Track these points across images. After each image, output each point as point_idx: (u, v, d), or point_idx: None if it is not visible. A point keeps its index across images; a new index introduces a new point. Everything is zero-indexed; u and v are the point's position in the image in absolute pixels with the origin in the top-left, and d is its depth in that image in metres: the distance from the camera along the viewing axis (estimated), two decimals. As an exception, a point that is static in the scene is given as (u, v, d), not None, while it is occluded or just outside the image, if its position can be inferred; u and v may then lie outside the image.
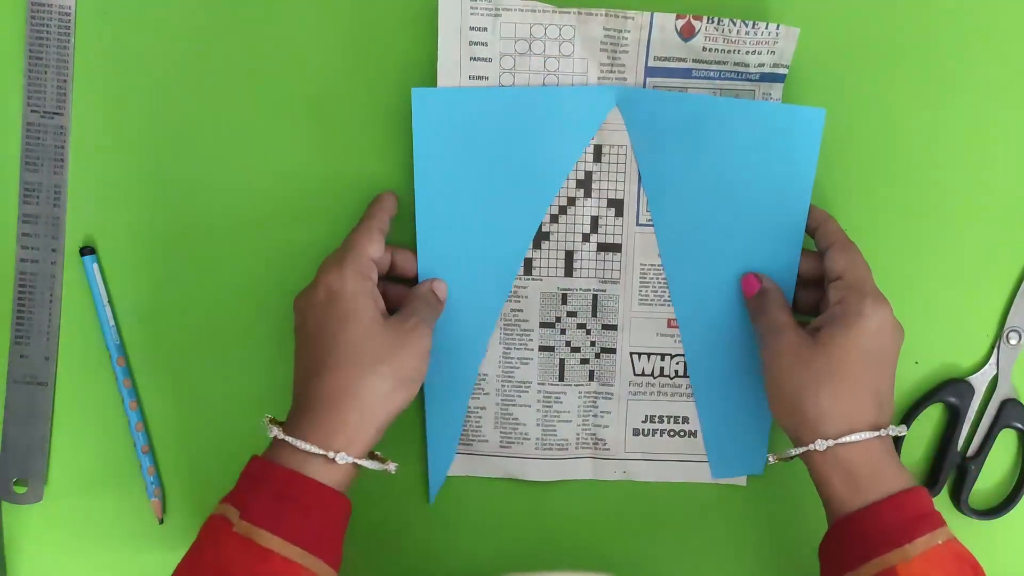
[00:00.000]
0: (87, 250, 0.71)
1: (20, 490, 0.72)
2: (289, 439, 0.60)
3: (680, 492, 0.74)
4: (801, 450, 0.62)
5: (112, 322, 0.71)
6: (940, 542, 0.59)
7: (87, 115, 0.70)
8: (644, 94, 0.69)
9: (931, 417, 0.74)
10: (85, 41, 0.70)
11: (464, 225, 0.69)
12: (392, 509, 0.74)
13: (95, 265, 0.71)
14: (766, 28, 0.67)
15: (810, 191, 0.68)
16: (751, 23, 0.67)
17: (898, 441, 0.73)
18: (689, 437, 0.73)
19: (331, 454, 0.60)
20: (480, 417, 0.73)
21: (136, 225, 0.71)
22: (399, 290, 0.69)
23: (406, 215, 0.69)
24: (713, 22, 0.67)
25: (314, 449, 0.59)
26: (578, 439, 0.73)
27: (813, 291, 0.69)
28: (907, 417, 0.73)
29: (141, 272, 0.72)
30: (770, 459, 0.66)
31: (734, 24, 0.67)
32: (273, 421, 0.62)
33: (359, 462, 0.61)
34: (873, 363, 0.63)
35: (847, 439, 0.61)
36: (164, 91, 0.70)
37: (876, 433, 0.61)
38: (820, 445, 0.61)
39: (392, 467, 0.64)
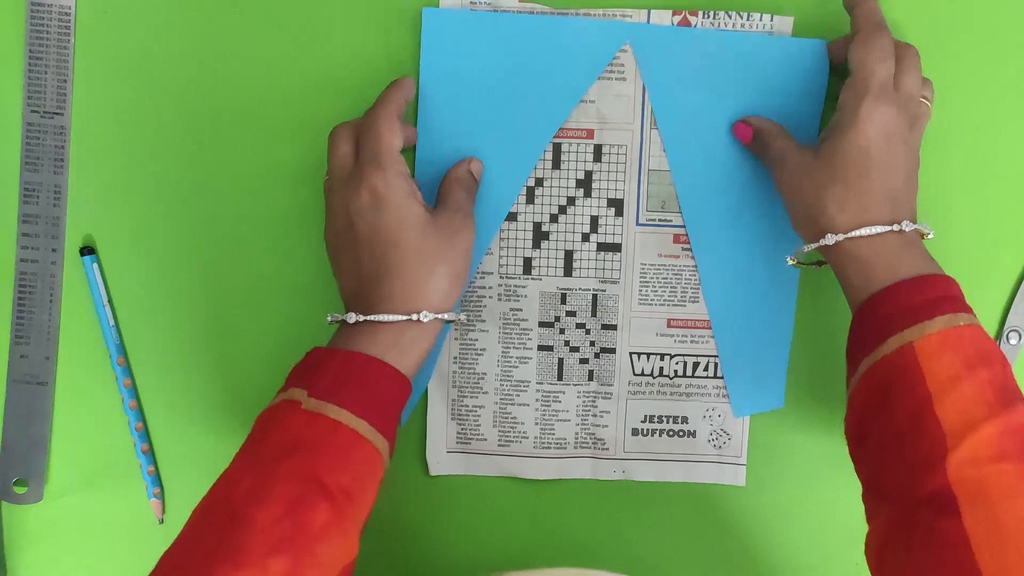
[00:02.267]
0: (87, 250, 0.71)
1: (20, 490, 0.72)
2: (372, 317, 0.62)
3: (679, 491, 0.74)
4: (813, 246, 0.63)
5: (112, 322, 0.71)
6: (962, 324, 0.59)
7: (87, 115, 0.70)
8: (655, 30, 0.69)
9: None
10: (85, 41, 0.70)
11: (466, 145, 0.69)
12: (391, 503, 0.74)
13: (95, 265, 0.71)
14: (760, 19, 0.69)
15: (818, 122, 0.69)
16: (746, 14, 0.69)
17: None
18: (688, 437, 0.73)
19: (416, 316, 0.62)
20: (479, 416, 0.73)
21: (136, 225, 0.71)
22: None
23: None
24: (708, 16, 0.68)
25: (398, 317, 0.62)
26: (576, 438, 0.73)
27: None
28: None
29: (141, 272, 0.72)
30: (788, 260, 0.67)
31: (729, 16, 0.69)
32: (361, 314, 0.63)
33: (442, 317, 0.63)
34: (877, 164, 0.62)
35: (855, 233, 0.61)
36: (164, 91, 0.70)
37: (888, 227, 0.61)
38: (829, 239, 0.62)
39: (463, 317, 0.68)
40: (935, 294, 0.60)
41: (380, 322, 0.62)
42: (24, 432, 0.72)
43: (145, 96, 0.70)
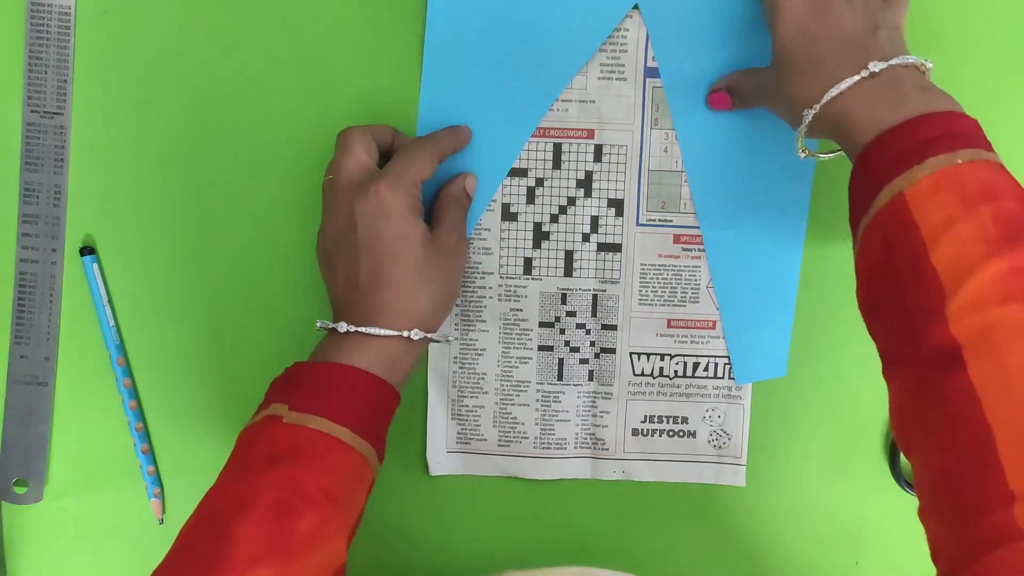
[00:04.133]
0: (87, 250, 0.71)
1: (20, 490, 0.72)
2: (363, 329, 0.62)
3: (679, 491, 0.74)
4: (801, 128, 0.60)
5: (112, 322, 0.71)
6: (960, 161, 0.53)
7: (87, 115, 0.70)
8: None
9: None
10: (85, 41, 0.70)
11: (469, 105, 0.70)
12: (390, 503, 0.74)
13: (95, 265, 0.71)
14: None
15: None
16: None
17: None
18: (688, 437, 0.73)
19: (407, 333, 0.62)
20: (479, 416, 0.73)
21: (136, 225, 0.71)
22: None
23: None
24: None
25: (389, 332, 0.62)
26: (577, 439, 0.73)
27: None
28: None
29: (141, 272, 0.72)
30: (799, 153, 0.63)
31: None
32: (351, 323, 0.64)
33: (429, 336, 0.64)
34: (819, 33, 0.59)
35: (826, 97, 0.58)
36: (164, 91, 0.70)
37: (855, 76, 0.57)
38: (807, 116, 0.59)
39: (451, 338, 0.70)
40: (926, 135, 0.54)
41: (370, 335, 0.62)
42: (24, 432, 0.72)
43: (145, 96, 0.70)
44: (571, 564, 0.65)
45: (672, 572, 0.74)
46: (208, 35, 0.70)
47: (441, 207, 0.68)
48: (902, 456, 0.73)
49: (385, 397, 0.63)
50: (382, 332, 0.62)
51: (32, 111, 0.70)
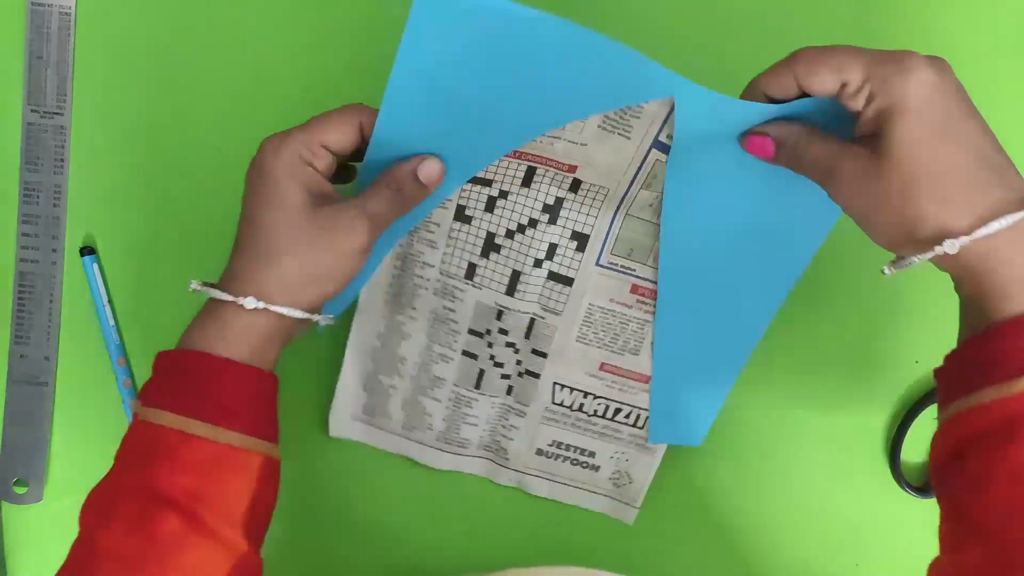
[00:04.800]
0: (87, 250, 0.71)
1: (20, 490, 0.72)
2: (202, 290, 0.57)
3: (678, 491, 0.74)
4: (926, 256, 0.49)
5: (112, 322, 0.71)
6: None
7: (87, 115, 0.71)
8: (702, 93, 0.55)
9: (932, 417, 0.74)
10: (85, 41, 0.70)
11: (427, 137, 0.60)
12: (388, 504, 0.74)
13: (95, 265, 0.71)
14: None
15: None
16: None
17: (899, 440, 0.72)
18: (591, 469, 0.72)
19: (241, 300, 0.56)
20: (390, 395, 0.71)
21: (136, 225, 0.72)
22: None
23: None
24: None
25: (225, 296, 0.56)
26: (480, 441, 0.72)
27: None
28: (907, 418, 0.72)
29: (141, 272, 0.72)
30: (885, 271, 0.53)
31: None
32: (205, 283, 0.58)
33: (272, 308, 0.56)
34: (957, 133, 0.48)
35: (981, 233, 0.47)
36: (164, 91, 0.71)
37: (1022, 212, 0.47)
38: (949, 247, 0.48)
39: (322, 320, 0.59)
40: None
41: (216, 303, 0.57)
42: (24, 432, 0.72)
43: (145, 96, 0.71)
44: (571, 564, 0.65)
45: (671, 573, 0.74)
46: (208, 36, 0.70)
47: (374, 183, 0.59)
48: (902, 457, 0.73)
49: (234, 376, 0.56)
50: (214, 293, 0.57)
51: (32, 111, 0.70)
